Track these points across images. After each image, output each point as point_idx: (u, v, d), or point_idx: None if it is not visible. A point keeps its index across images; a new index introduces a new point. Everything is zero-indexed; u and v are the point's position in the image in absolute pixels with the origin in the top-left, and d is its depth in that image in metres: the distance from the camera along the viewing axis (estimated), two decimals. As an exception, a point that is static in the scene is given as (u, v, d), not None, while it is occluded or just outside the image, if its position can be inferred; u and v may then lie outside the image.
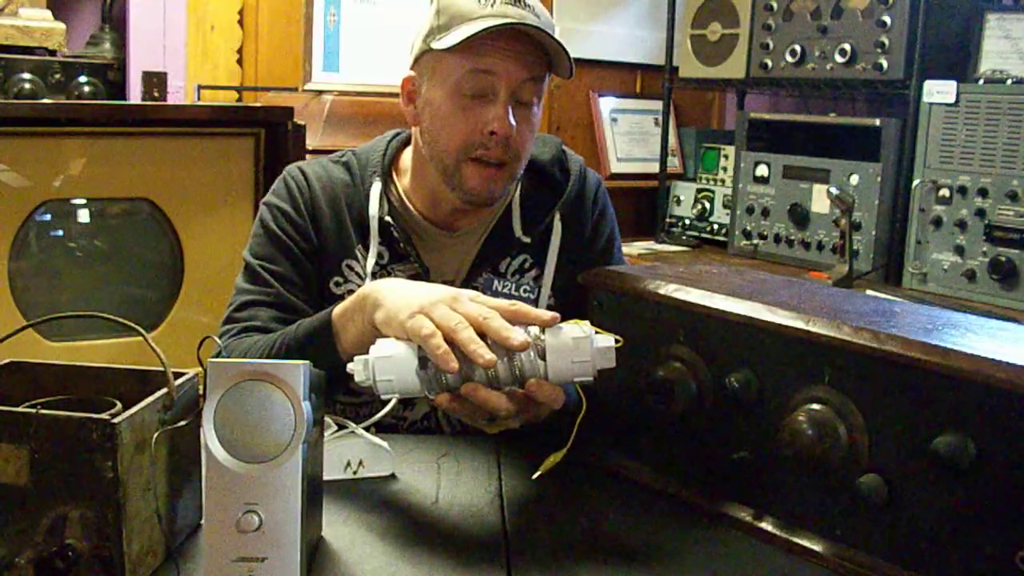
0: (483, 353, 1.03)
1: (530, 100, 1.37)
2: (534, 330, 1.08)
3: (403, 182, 1.50)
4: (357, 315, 1.20)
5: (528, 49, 1.33)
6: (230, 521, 0.90)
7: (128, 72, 2.94)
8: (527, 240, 1.46)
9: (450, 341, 1.04)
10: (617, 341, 1.08)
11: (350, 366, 1.09)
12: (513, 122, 1.34)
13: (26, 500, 0.89)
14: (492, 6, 1.31)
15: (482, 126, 1.34)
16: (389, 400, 1.13)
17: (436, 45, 1.34)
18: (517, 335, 1.04)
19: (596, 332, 1.08)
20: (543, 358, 1.06)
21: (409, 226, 1.47)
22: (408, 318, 1.08)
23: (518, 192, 1.49)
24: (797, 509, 1.07)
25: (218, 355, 1.29)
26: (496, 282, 1.46)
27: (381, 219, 1.44)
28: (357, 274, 1.45)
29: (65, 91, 2.78)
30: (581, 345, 1.06)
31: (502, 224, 1.48)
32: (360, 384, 1.08)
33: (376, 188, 1.45)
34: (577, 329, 1.07)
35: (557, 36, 1.35)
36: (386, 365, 1.07)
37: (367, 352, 1.10)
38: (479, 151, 1.35)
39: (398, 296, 1.13)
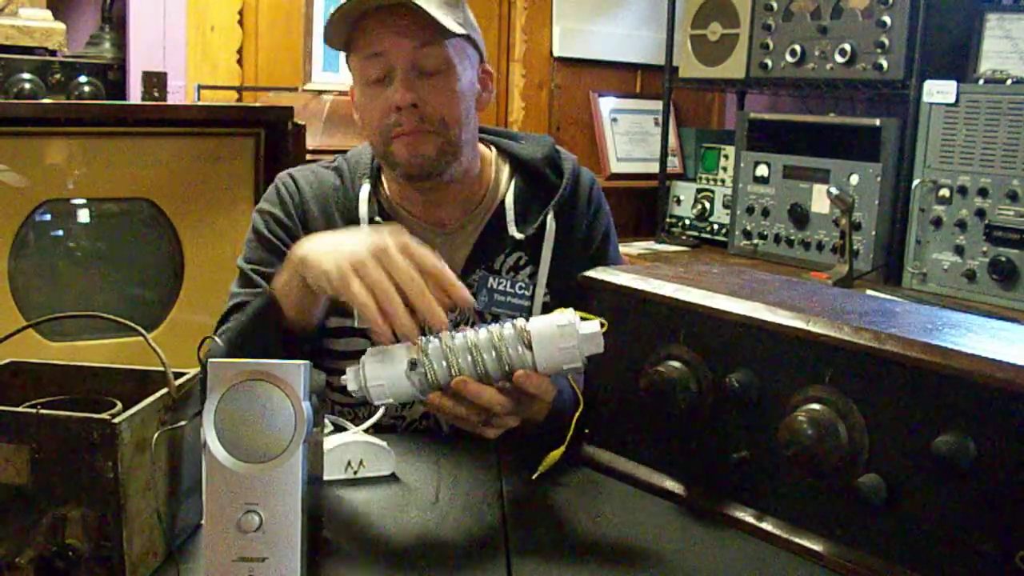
0: (412, 333, 1.05)
1: (436, 67, 1.37)
2: (520, 321, 1.09)
3: (389, 182, 1.51)
4: (291, 279, 1.23)
5: (412, 19, 1.34)
6: (230, 521, 0.90)
7: (128, 72, 2.94)
8: (521, 237, 1.47)
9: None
10: (602, 324, 1.09)
11: (343, 377, 1.10)
12: (405, 91, 1.35)
13: (26, 500, 0.89)
14: None
15: (389, 107, 1.37)
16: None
17: (328, 42, 1.41)
18: (438, 315, 1.06)
19: (582, 318, 1.09)
20: (529, 348, 1.07)
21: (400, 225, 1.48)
22: (338, 279, 1.09)
23: (511, 191, 1.49)
24: (797, 509, 1.07)
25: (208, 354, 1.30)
26: (491, 279, 1.47)
27: (371, 219, 1.45)
28: None
29: (65, 91, 2.77)
30: (566, 331, 1.07)
31: (495, 222, 1.48)
32: (354, 394, 1.09)
33: (364, 190, 1.47)
34: (562, 316, 1.08)
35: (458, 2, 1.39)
36: (376, 370, 1.07)
37: (312, 317, 1.17)
38: (396, 129, 1.38)
39: (321, 252, 1.15)
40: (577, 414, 1.15)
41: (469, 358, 1.07)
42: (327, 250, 1.14)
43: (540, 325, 1.08)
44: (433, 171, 1.41)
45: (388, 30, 1.35)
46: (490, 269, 1.47)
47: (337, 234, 1.20)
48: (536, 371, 1.08)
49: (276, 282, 1.27)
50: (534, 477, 1.19)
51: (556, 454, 1.18)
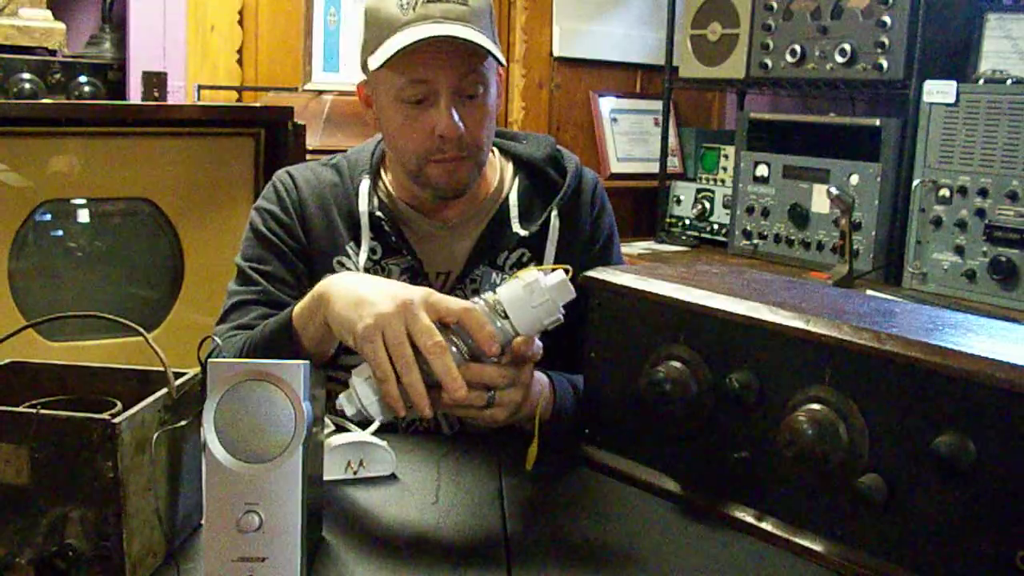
0: (423, 407, 1.05)
1: (475, 92, 1.37)
2: (488, 295, 1.11)
3: (391, 178, 1.51)
4: (313, 314, 1.20)
5: (457, 46, 1.33)
6: (230, 521, 0.90)
7: (128, 72, 2.94)
8: (524, 234, 1.47)
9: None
10: (567, 271, 1.11)
11: (338, 403, 1.10)
12: (458, 122, 1.35)
13: (26, 500, 0.89)
14: (413, 9, 1.32)
15: (430, 131, 1.36)
16: None
17: (370, 62, 1.37)
18: (456, 390, 1.05)
19: (543, 271, 1.11)
20: (506, 317, 1.09)
21: (400, 220, 1.48)
22: (362, 337, 1.07)
23: (515, 188, 1.49)
24: (797, 509, 1.07)
25: (211, 353, 1.30)
26: (494, 275, 1.47)
27: (371, 214, 1.45)
28: (349, 271, 1.46)
29: (65, 91, 2.78)
30: (534, 288, 1.09)
31: (499, 219, 1.48)
32: (354, 418, 1.09)
33: (364, 185, 1.47)
34: (525, 276, 1.10)
35: (491, 19, 1.38)
36: (368, 391, 1.08)
37: (327, 350, 1.17)
38: (437, 155, 1.37)
39: (348, 302, 1.12)
40: (540, 401, 1.20)
41: (454, 348, 1.08)
42: (353, 300, 1.11)
43: (508, 292, 1.10)
44: (465, 191, 1.43)
45: (437, 58, 1.33)
46: (493, 265, 1.48)
47: (364, 281, 1.15)
48: (519, 336, 1.10)
49: (296, 308, 1.25)
50: (528, 468, 1.20)
51: (534, 445, 1.20)
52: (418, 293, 1.09)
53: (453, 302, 1.09)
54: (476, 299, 1.11)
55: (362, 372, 1.09)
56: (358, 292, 1.12)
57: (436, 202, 1.46)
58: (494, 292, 1.11)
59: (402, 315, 1.06)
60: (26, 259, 2.21)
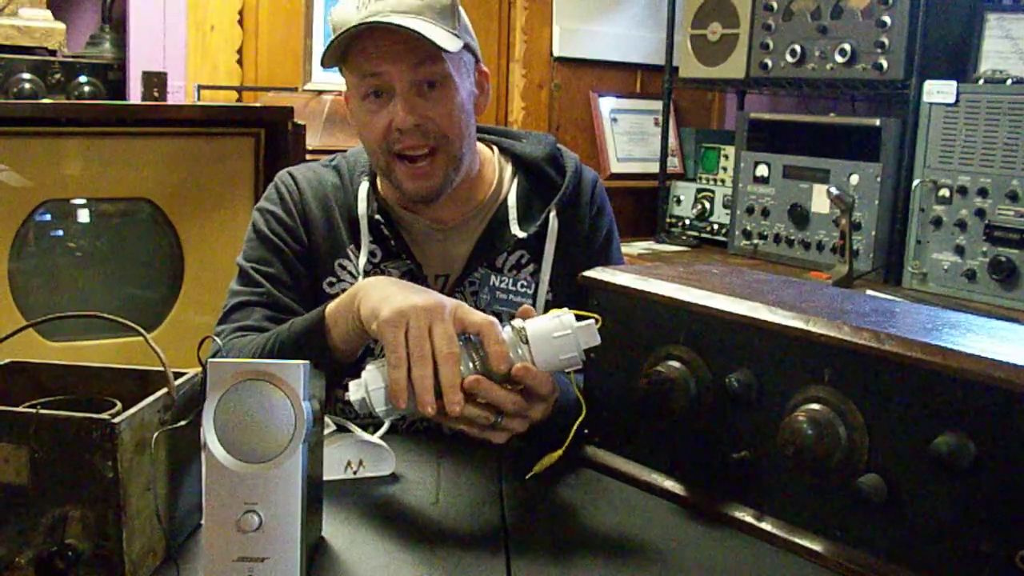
0: (426, 403, 1.05)
1: (435, 83, 1.37)
2: (517, 321, 1.11)
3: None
4: (346, 311, 1.22)
5: (406, 37, 1.32)
6: (230, 521, 0.90)
7: (128, 72, 2.94)
8: (523, 235, 1.46)
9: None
10: (596, 320, 1.11)
11: (347, 394, 1.11)
12: (406, 114, 1.35)
13: (26, 500, 0.89)
14: (366, 7, 1.32)
15: (388, 125, 1.36)
16: None
17: (323, 64, 1.41)
18: (452, 402, 1.05)
19: (578, 316, 1.11)
20: (526, 342, 1.08)
21: (399, 223, 1.48)
22: (386, 320, 1.08)
23: (514, 189, 1.49)
24: (797, 509, 1.07)
25: (215, 354, 1.30)
26: (493, 277, 1.47)
27: (371, 217, 1.45)
28: (350, 273, 1.46)
29: (65, 91, 2.78)
30: (562, 322, 1.09)
31: (497, 221, 1.48)
32: (358, 407, 1.09)
33: (364, 187, 1.47)
34: (556, 312, 1.11)
35: (453, 14, 1.37)
36: (377, 377, 1.08)
37: (355, 349, 1.15)
38: (398, 146, 1.38)
39: (384, 292, 1.15)
40: (580, 420, 1.16)
41: (470, 364, 1.08)
42: (389, 292, 1.14)
43: (536, 321, 1.10)
44: (439, 195, 1.42)
45: (384, 51, 1.34)
46: (492, 267, 1.47)
47: (404, 283, 1.21)
48: (535, 366, 1.09)
49: (331, 304, 1.26)
50: (528, 476, 1.20)
51: (554, 456, 1.18)
52: (450, 301, 1.11)
53: (478, 315, 1.10)
54: (505, 325, 1.11)
55: (377, 362, 1.10)
56: (395, 287, 1.16)
57: (413, 206, 1.46)
58: (523, 320, 1.11)
59: (431, 313, 1.08)
60: (26, 259, 2.21)
